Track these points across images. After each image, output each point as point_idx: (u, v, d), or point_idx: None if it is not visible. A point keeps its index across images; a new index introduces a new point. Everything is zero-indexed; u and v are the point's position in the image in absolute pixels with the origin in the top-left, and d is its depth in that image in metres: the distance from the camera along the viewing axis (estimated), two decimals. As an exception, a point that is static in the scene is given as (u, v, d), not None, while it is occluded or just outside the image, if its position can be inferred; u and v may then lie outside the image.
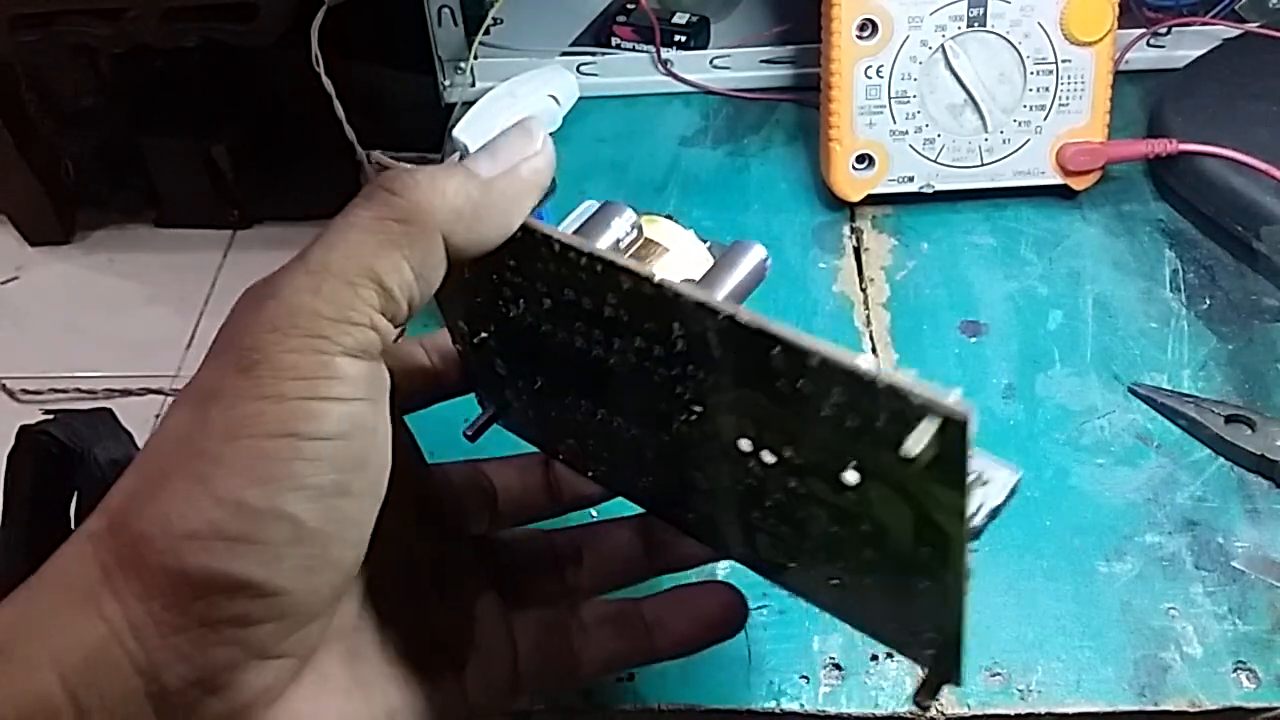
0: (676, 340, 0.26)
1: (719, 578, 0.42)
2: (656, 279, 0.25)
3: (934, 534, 0.24)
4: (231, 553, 0.24)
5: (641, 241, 0.32)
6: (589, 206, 0.33)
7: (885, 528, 0.26)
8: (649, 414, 0.29)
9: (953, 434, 0.22)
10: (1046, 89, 0.59)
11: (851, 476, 0.25)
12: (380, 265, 0.25)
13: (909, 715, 0.41)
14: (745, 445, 0.27)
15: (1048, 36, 0.58)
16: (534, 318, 0.30)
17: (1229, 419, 0.48)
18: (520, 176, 0.28)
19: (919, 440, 0.22)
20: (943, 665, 0.29)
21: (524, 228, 0.28)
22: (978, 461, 0.23)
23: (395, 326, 0.26)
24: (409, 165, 0.27)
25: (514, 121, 0.29)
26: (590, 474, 0.35)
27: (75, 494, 0.81)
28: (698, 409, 0.28)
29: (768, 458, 0.27)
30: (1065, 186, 0.61)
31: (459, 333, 0.33)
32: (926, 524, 0.24)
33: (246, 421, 0.24)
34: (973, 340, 0.55)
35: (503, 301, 0.30)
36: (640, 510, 0.36)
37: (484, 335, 0.32)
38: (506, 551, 0.36)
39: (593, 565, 0.36)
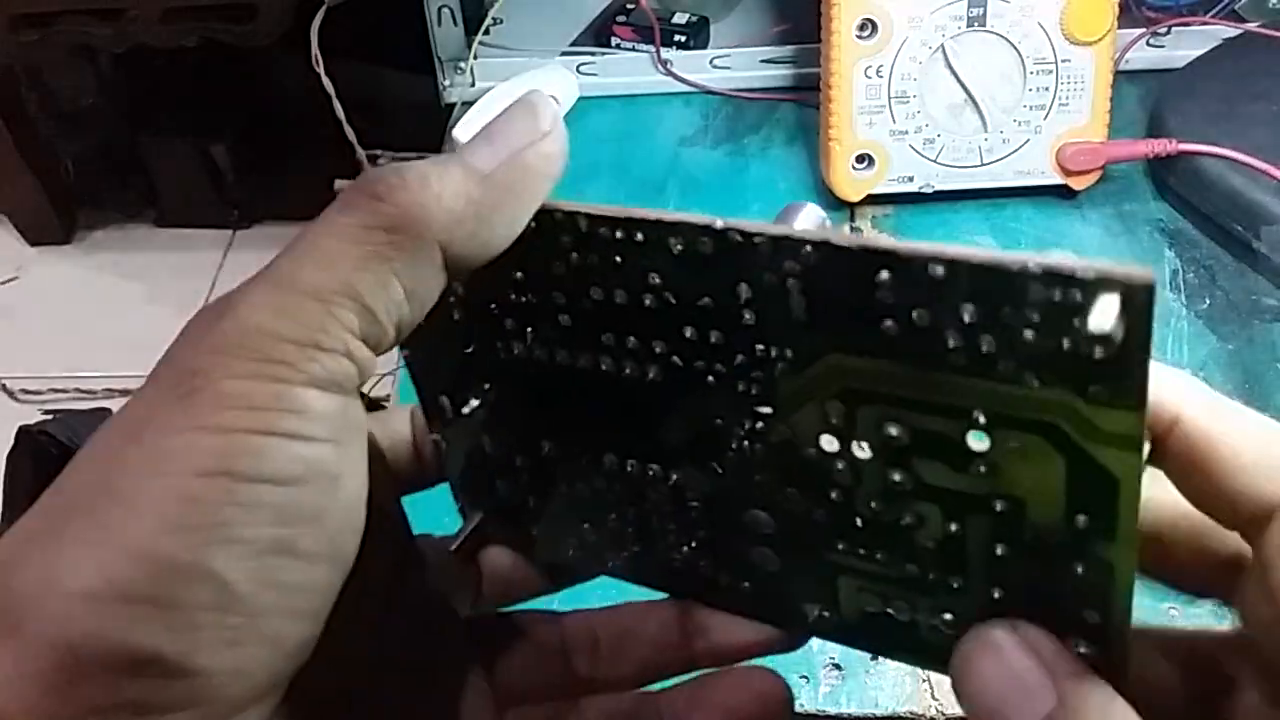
0: (743, 310, 0.21)
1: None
2: (720, 224, 0.21)
3: (1094, 489, 0.20)
4: (135, 618, 0.19)
5: None
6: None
7: (1023, 502, 0.21)
8: (698, 441, 0.24)
9: (1137, 310, 0.17)
10: (1046, 89, 0.59)
11: (978, 441, 0.20)
12: (363, 281, 0.20)
13: (909, 715, 0.41)
14: (830, 443, 0.22)
15: (1047, 36, 0.58)
16: (545, 349, 0.25)
17: (1229, 419, 0.48)
18: (527, 165, 0.23)
19: (1104, 317, 0.17)
20: (1111, 656, 0.22)
21: (539, 214, 0.23)
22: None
23: (378, 354, 0.22)
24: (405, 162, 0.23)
25: (515, 98, 0.24)
26: (610, 566, 0.28)
27: (75, 494, 0.80)
28: (765, 411, 0.23)
29: (861, 451, 0.22)
30: (1065, 186, 0.61)
31: (438, 412, 0.27)
32: (1084, 476, 0.20)
33: (173, 455, 0.19)
34: (973, 340, 0.55)
35: (503, 341, 0.25)
36: None
37: (474, 403, 0.26)
38: (504, 636, 0.30)
39: (610, 653, 0.29)
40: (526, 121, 0.23)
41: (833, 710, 0.41)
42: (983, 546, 0.22)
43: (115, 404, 1.23)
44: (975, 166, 0.61)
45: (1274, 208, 0.56)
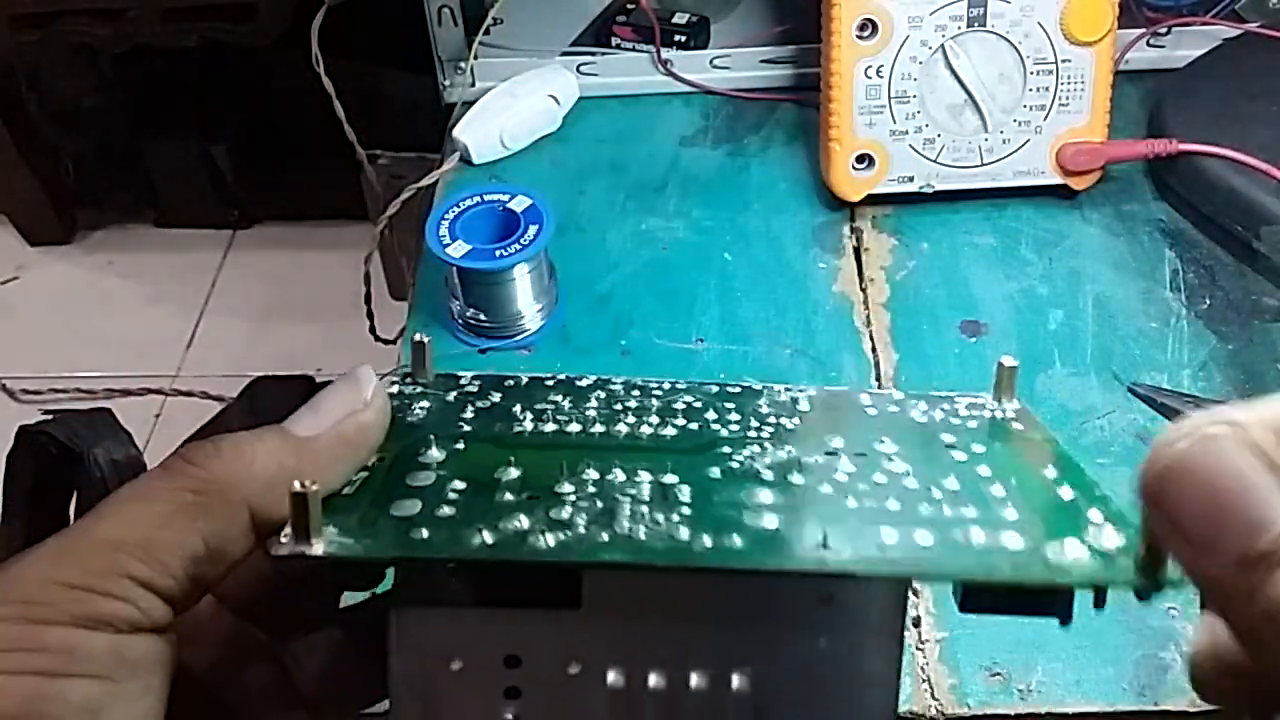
0: None
1: None
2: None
3: None
4: None
5: None
6: None
7: None
8: None
9: None
10: (1046, 89, 0.59)
11: None
12: (159, 535, 0.22)
13: (909, 715, 0.41)
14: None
15: (1048, 36, 0.58)
16: None
17: (1229, 419, 0.48)
18: (344, 435, 0.25)
19: None
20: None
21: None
22: None
23: (171, 604, 0.22)
24: (223, 439, 0.24)
25: (344, 374, 0.26)
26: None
27: (75, 494, 0.81)
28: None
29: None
30: (1065, 186, 0.61)
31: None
32: None
33: None
34: (973, 340, 0.55)
35: None
36: None
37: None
38: None
39: None
40: (349, 393, 0.26)
41: (833, 710, 0.41)
42: None
43: (115, 404, 1.23)
44: (975, 166, 0.61)
45: (1274, 208, 0.56)
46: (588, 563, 0.22)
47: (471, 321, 0.56)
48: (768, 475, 0.25)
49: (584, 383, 0.31)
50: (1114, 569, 0.22)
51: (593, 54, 0.72)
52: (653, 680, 0.23)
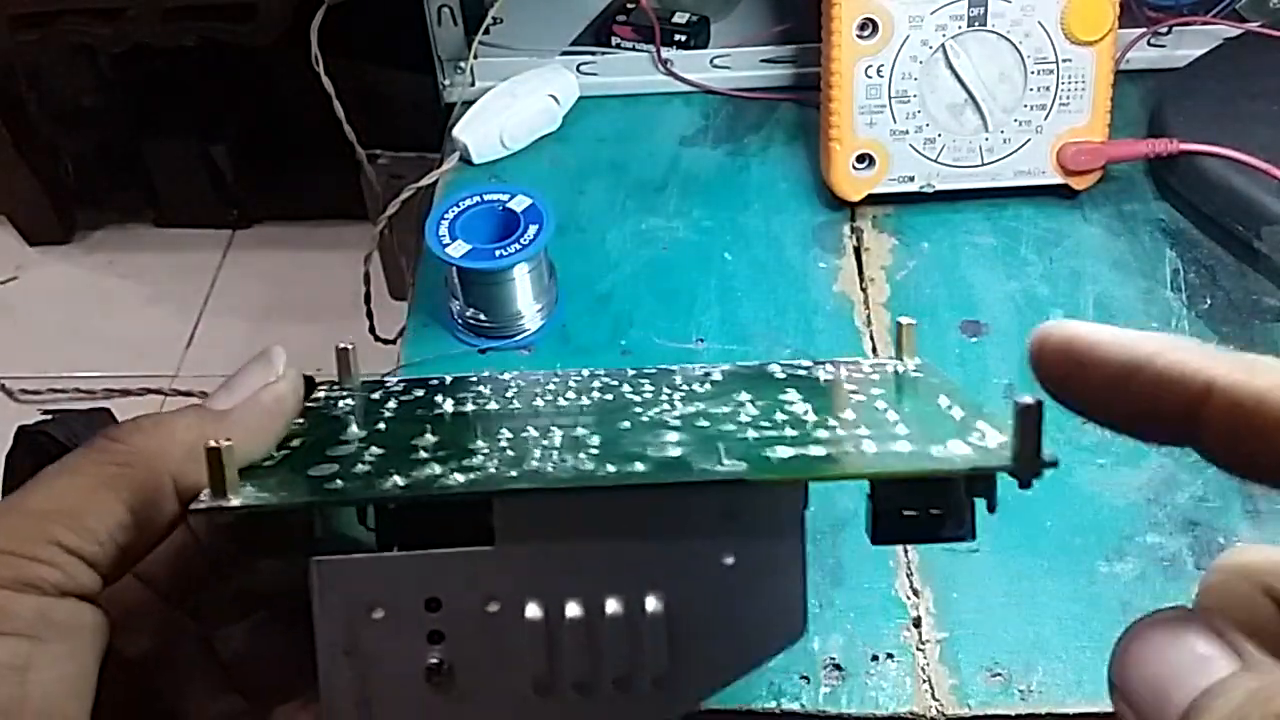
0: None
1: None
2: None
3: None
4: None
5: None
6: None
7: None
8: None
9: None
10: (1047, 88, 0.59)
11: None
12: (86, 504, 0.23)
13: (909, 715, 0.41)
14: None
15: (1048, 36, 0.58)
16: None
17: (1230, 419, 0.48)
18: (260, 404, 0.27)
19: None
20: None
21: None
22: None
23: (99, 572, 0.23)
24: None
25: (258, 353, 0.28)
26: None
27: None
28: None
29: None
30: (1066, 186, 0.61)
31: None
32: None
33: None
34: (973, 340, 0.54)
35: None
36: None
37: None
38: None
39: None
40: (262, 370, 0.27)
41: (833, 710, 0.41)
42: None
43: (114, 404, 1.23)
44: (976, 166, 0.61)
45: (1275, 207, 0.55)
46: (496, 491, 0.23)
47: (471, 321, 0.56)
48: (675, 423, 0.27)
49: (506, 376, 0.33)
50: (992, 457, 0.23)
51: (593, 54, 0.72)
52: (571, 610, 0.24)
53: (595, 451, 0.25)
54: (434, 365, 0.32)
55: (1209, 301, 0.56)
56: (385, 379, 0.33)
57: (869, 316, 0.56)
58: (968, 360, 0.53)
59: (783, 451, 0.24)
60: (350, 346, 0.33)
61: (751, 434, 0.25)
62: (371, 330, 0.82)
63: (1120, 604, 0.43)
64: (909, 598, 0.44)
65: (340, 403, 0.30)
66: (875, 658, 0.42)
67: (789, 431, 0.25)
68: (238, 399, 0.27)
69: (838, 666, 0.42)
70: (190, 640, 0.28)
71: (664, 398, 0.29)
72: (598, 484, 0.23)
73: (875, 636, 0.43)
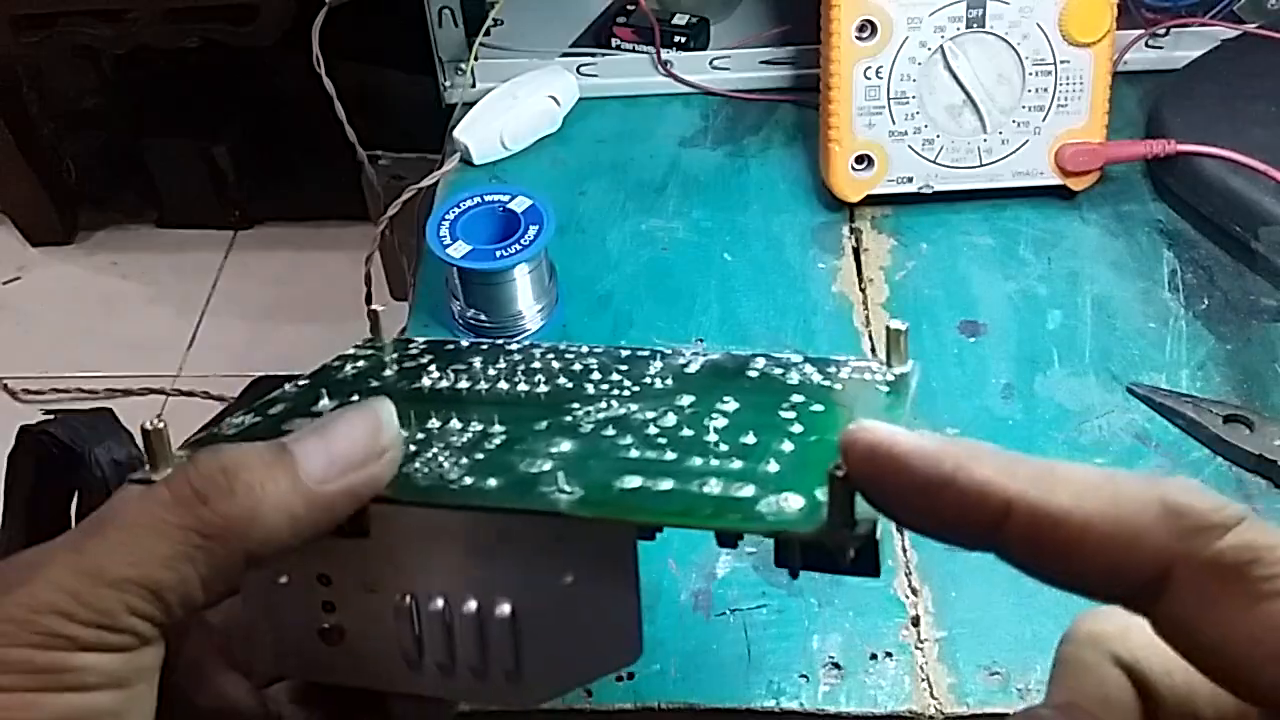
0: None
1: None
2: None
3: None
4: None
5: None
6: None
7: None
8: None
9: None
10: (1045, 90, 0.59)
11: None
12: (164, 577, 0.23)
13: (909, 715, 0.41)
14: None
15: (1046, 37, 0.58)
16: None
17: (1227, 419, 0.49)
18: (353, 490, 0.25)
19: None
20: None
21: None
22: None
23: (160, 627, 0.24)
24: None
25: (359, 405, 0.26)
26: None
27: (75, 494, 0.81)
28: None
29: None
30: (1064, 187, 0.61)
31: None
32: None
33: None
34: (972, 340, 0.55)
35: None
36: None
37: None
38: None
39: None
40: (367, 437, 0.25)
41: (832, 710, 0.41)
42: None
43: (116, 404, 1.24)
44: (974, 167, 0.61)
45: (1273, 208, 0.56)
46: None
47: (472, 321, 0.56)
48: (586, 429, 0.28)
49: (511, 347, 0.34)
50: (801, 521, 0.23)
51: (593, 55, 0.73)
52: (433, 605, 0.26)
53: (480, 457, 0.27)
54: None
55: (1206, 302, 0.56)
56: (412, 341, 0.35)
57: (868, 317, 0.56)
58: (966, 361, 0.54)
59: (630, 482, 0.25)
60: (380, 309, 0.34)
61: (634, 453, 0.26)
62: (372, 330, 0.82)
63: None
64: (908, 596, 0.44)
65: (349, 366, 0.32)
66: (874, 656, 0.42)
67: (668, 455, 0.26)
68: (334, 471, 0.25)
69: (836, 665, 0.42)
70: (196, 624, 0.29)
71: (613, 394, 0.30)
72: (443, 501, 0.25)
73: (874, 635, 0.43)
